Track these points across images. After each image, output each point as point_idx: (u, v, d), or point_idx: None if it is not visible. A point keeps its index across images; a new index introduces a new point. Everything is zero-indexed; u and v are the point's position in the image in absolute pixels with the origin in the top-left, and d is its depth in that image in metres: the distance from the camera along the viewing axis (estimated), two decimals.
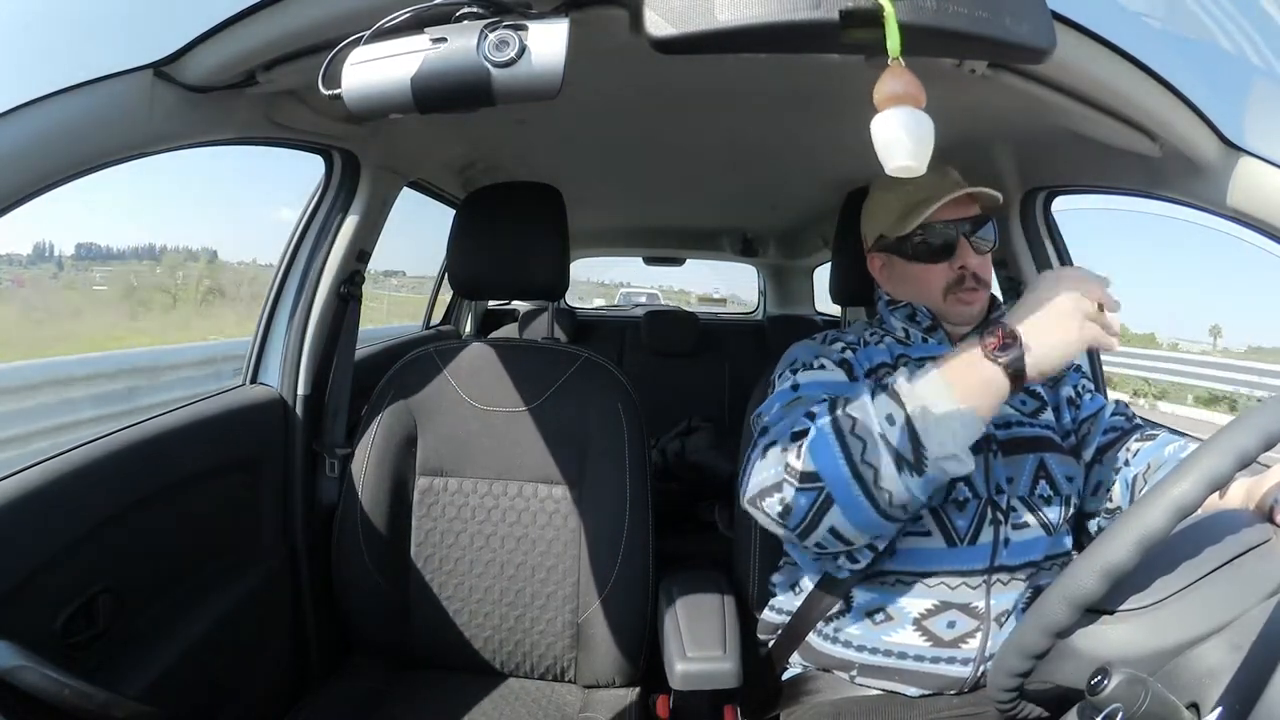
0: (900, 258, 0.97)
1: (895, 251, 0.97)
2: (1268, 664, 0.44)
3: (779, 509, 0.75)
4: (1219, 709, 0.45)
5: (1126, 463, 0.91)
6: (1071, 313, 0.68)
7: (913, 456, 0.68)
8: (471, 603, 1.15)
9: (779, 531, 0.78)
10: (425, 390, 1.18)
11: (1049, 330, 0.69)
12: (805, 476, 0.72)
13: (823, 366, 0.91)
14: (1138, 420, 0.97)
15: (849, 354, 0.93)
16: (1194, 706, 0.46)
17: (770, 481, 0.75)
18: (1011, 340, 0.69)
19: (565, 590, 1.14)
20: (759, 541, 1.09)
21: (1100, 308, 0.70)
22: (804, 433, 0.74)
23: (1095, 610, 0.51)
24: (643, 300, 8.31)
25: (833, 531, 0.73)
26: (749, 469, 0.80)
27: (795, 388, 0.88)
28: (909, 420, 0.69)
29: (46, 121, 0.62)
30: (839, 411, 0.73)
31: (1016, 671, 0.55)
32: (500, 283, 1.22)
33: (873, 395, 0.72)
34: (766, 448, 0.78)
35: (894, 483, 0.69)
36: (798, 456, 0.73)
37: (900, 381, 0.71)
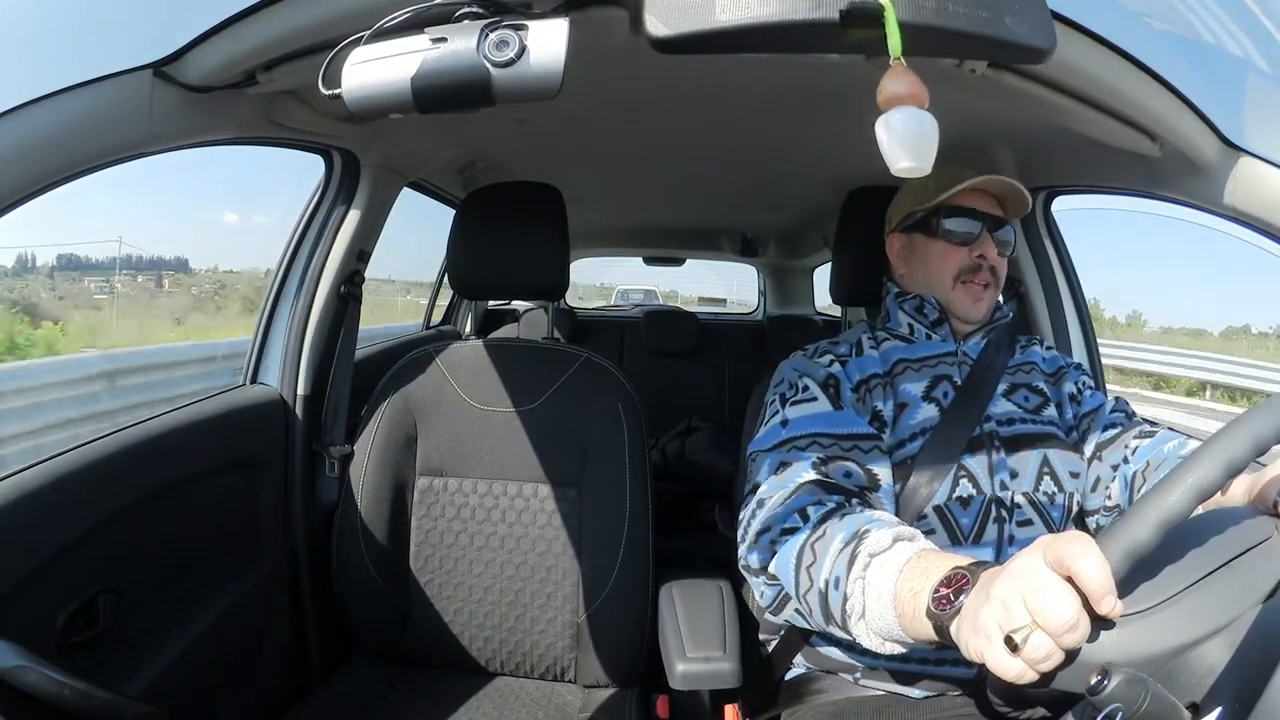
0: (924, 235, 0.98)
1: (920, 229, 0.98)
2: (1268, 664, 0.44)
3: (760, 589, 0.84)
4: (1219, 709, 0.45)
5: (1125, 459, 0.91)
6: (986, 615, 0.49)
7: (840, 622, 0.67)
8: (471, 602, 1.15)
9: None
10: (425, 390, 1.18)
11: (974, 614, 0.51)
12: (772, 575, 0.79)
13: (807, 389, 0.91)
14: (1137, 417, 0.97)
15: (836, 368, 0.93)
16: (1194, 706, 0.46)
17: (757, 565, 0.81)
18: (957, 595, 0.54)
19: (565, 590, 1.14)
20: None
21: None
22: (792, 531, 0.76)
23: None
24: (639, 298, 8.20)
25: (798, 613, 0.78)
26: (743, 536, 0.83)
27: (785, 424, 0.88)
28: (845, 599, 0.65)
29: (46, 121, 0.62)
30: (813, 540, 0.72)
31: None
32: (500, 283, 1.22)
33: (847, 542, 0.67)
34: (761, 533, 0.80)
35: (821, 627, 0.72)
36: (774, 554, 0.78)
37: (867, 550, 0.65)
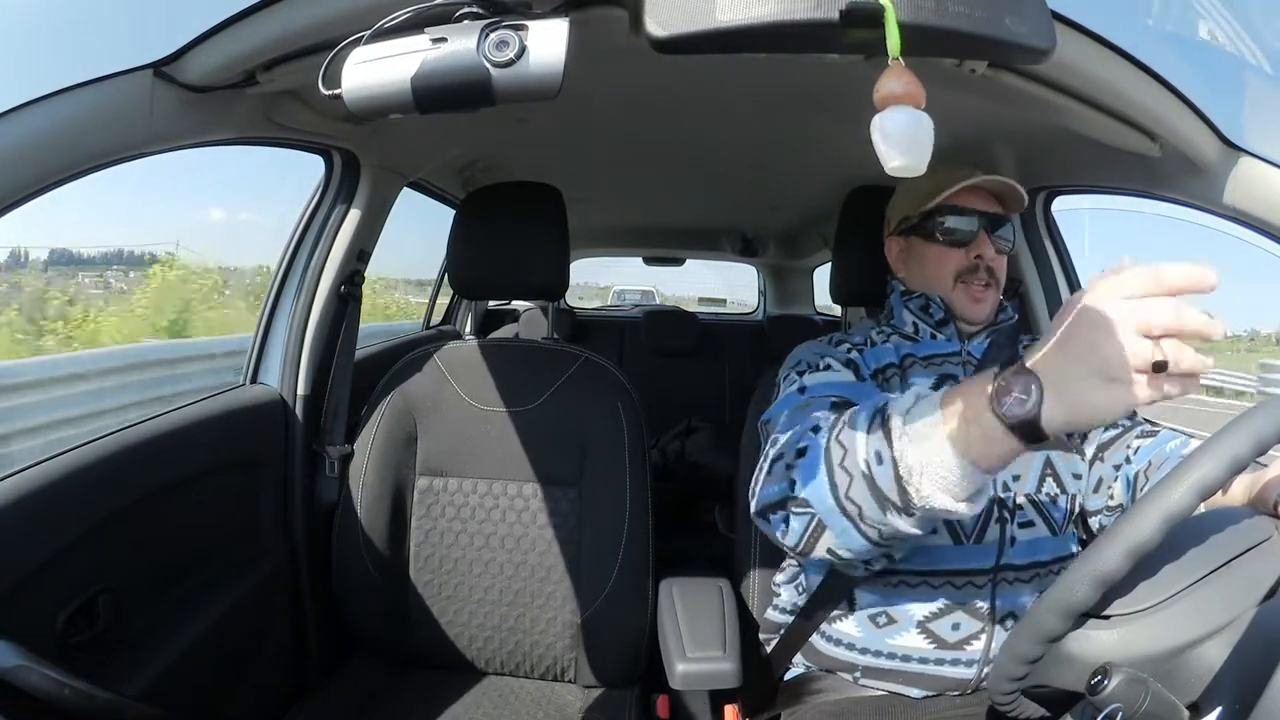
0: (921, 238, 0.97)
1: (917, 232, 0.98)
2: (1268, 664, 0.44)
3: (781, 528, 0.73)
4: (1219, 709, 0.45)
5: (1127, 459, 0.91)
6: (1119, 363, 0.46)
7: (899, 500, 0.60)
8: (471, 602, 1.15)
9: (784, 547, 0.75)
10: (425, 390, 1.18)
11: (1080, 381, 0.49)
12: (798, 500, 0.70)
13: (829, 367, 0.90)
14: (1138, 416, 0.97)
15: (855, 354, 0.93)
16: (1194, 707, 0.46)
17: (773, 499, 0.73)
18: (1027, 388, 0.51)
19: (565, 590, 1.14)
20: (759, 542, 1.09)
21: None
22: (805, 450, 0.70)
23: (1091, 615, 0.51)
24: (637, 299, 8.11)
25: (830, 553, 0.70)
26: (757, 481, 0.77)
27: (803, 390, 0.86)
28: (895, 462, 0.59)
29: (46, 121, 0.62)
30: (835, 436, 0.66)
31: (1014, 676, 0.55)
32: (500, 283, 1.22)
33: (870, 422, 0.63)
34: (774, 462, 0.74)
35: (880, 521, 0.63)
36: (792, 478, 0.70)
37: (896, 412, 0.61)
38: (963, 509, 0.57)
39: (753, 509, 0.77)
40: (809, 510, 0.69)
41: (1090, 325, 0.48)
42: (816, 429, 0.71)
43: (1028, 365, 0.52)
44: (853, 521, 0.65)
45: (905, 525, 0.61)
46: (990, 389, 0.53)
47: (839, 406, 0.78)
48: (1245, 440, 0.48)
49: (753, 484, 0.78)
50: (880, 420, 0.62)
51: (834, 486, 0.65)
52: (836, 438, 0.66)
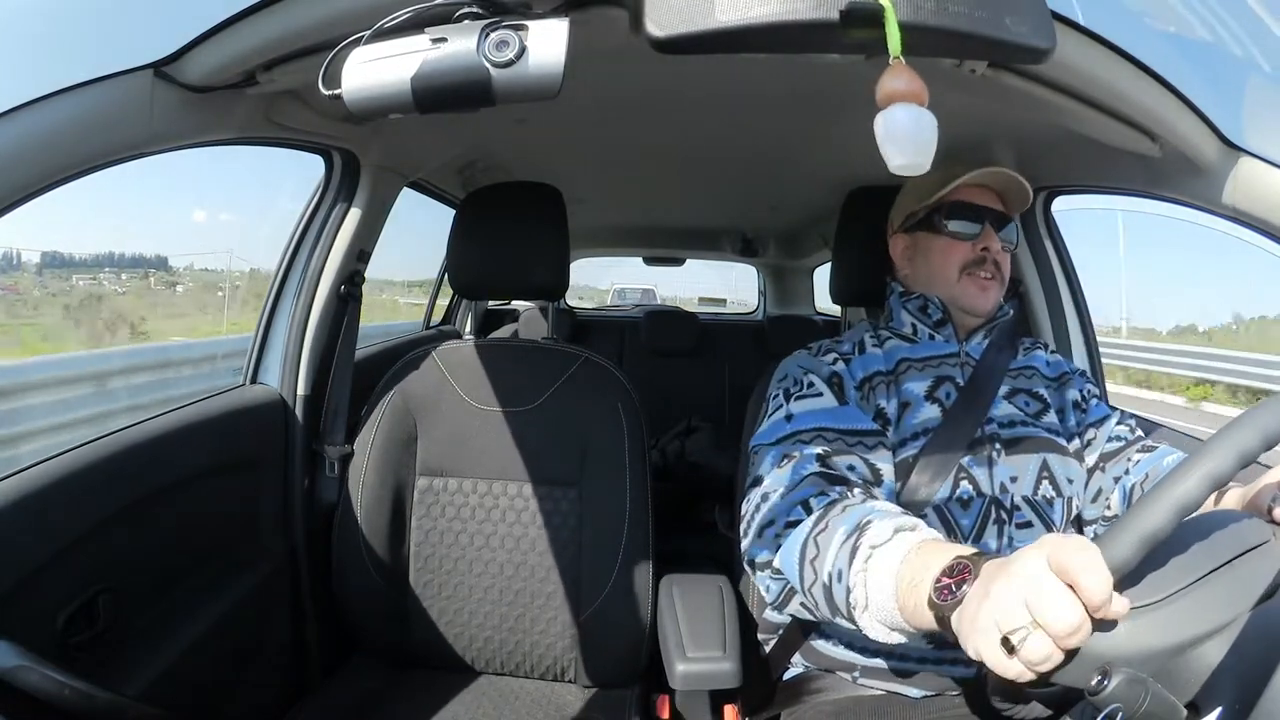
0: (927, 232, 0.98)
1: (923, 227, 0.98)
2: (1268, 664, 0.44)
3: (765, 584, 0.83)
4: (1219, 709, 0.45)
5: (1126, 471, 0.91)
6: (988, 621, 0.47)
7: (846, 614, 0.66)
8: (471, 603, 1.15)
9: (765, 598, 0.86)
10: (425, 390, 1.18)
11: (975, 610, 0.49)
12: (777, 569, 0.78)
13: (812, 385, 0.91)
14: (1140, 432, 0.97)
15: (840, 365, 0.93)
16: (1194, 706, 0.46)
17: (762, 560, 0.80)
18: (959, 587, 0.53)
19: (565, 590, 1.14)
20: None
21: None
22: (795, 524, 0.76)
23: None
24: (637, 298, 8.02)
25: (804, 607, 0.77)
26: (748, 526, 0.83)
27: (789, 418, 0.88)
28: (849, 590, 0.64)
29: (46, 121, 0.62)
30: (815, 533, 0.71)
31: None
32: (500, 283, 1.22)
33: (848, 535, 0.67)
34: (766, 526, 0.80)
35: (828, 619, 0.72)
36: (778, 549, 0.77)
37: (868, 542, 0.64)
38: (896, 638, 0.63)
39: (744, 557, 0.85)
40: (784, 579, 0.79)
41: (1008, 572, 0.48)
42: (808, 507, 0.76)
43: (981, 566, 0.52)
44: (810, 610, 0.75)
45: (849, 627, 0.68)
46: (942, 567, 0.55)
47: (824, 458, 0.82)
48: (1252, 434, 0.48)
49: (742, 531, 0.85)
50: (855, 539, 0.66)
51: (801, 577, 0.72)
52: (815, 537, 0.71)
